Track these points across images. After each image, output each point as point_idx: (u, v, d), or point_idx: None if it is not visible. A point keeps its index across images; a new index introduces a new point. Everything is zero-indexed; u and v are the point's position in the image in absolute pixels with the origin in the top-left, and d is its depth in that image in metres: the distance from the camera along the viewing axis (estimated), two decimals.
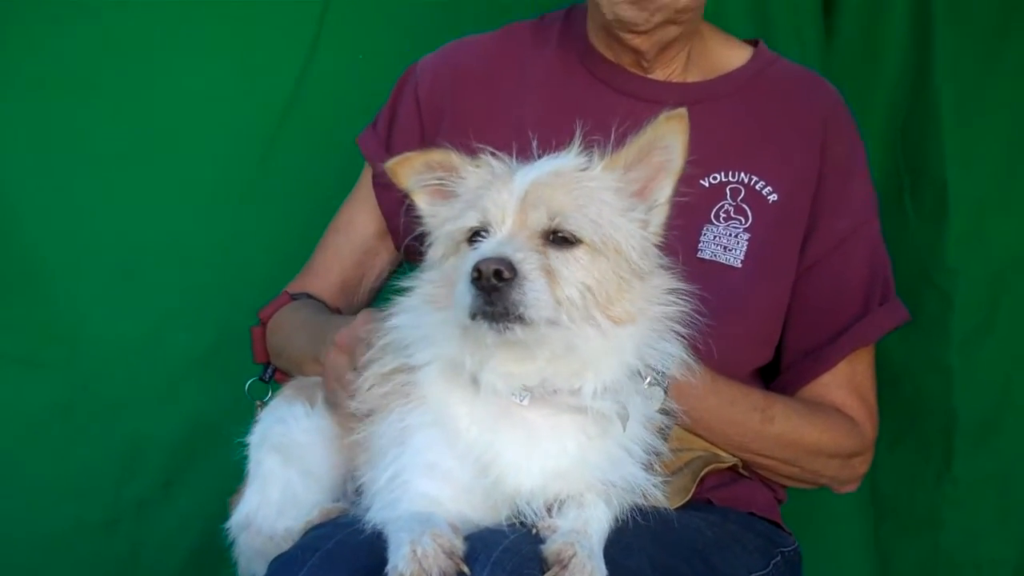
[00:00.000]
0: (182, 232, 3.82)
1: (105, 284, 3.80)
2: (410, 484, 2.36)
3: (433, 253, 2.42)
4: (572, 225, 2.27)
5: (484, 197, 2.31)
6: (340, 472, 2.76)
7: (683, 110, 2.35)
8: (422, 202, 2.46)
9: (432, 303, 2.38)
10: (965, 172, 3.53)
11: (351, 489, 2.74)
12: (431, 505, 2.32)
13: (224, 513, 3.70)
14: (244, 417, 3.46)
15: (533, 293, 2.18)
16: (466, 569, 2.16)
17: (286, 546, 2.60)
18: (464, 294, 2.20)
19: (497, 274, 2.16)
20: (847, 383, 2.89)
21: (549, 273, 2.22)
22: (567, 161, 2.36)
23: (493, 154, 2.40)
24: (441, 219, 2.41)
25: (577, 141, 2.38)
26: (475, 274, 2.17)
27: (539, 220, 2.27)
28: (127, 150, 3.79)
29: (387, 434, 2.42)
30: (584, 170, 2.35)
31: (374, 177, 3.15)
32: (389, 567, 2.17)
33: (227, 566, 3.76)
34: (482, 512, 2.37)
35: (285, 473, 2.80)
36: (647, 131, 2.36)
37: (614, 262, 2.30)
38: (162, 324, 3.82)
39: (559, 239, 2.27)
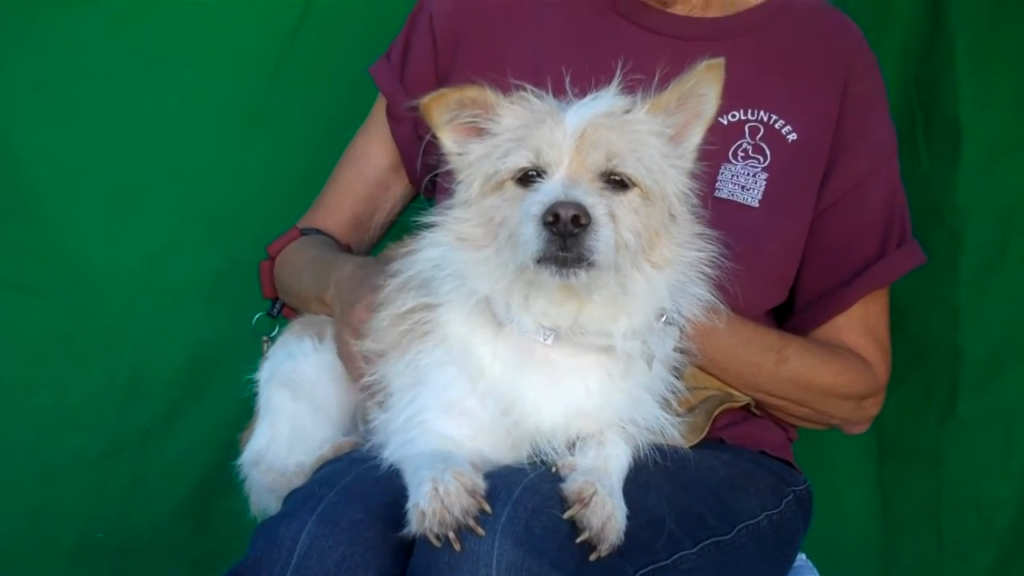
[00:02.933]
0: (185, 159, 3.75)
1: (105, 211, 3.74)
2: (429, 423, 2.35)
3: (465, 191, 2.37)
4: (629, 169, 2.27)
5: (535, 136, 2.27)
6: (349, 407, 2.76)
7: (721, 60, 2.34)
8: (448, 140, 2.40)
9: (466, 241, 2.34)
10: (978, 112, 3.49)
11: (361, 424, 2.74)
12: (450, 444, 2.32)
13: (228, 442, 3.70)
14: (248, 347, 3.46)
15: (605, 239, 2.18)
16: (488, 507, 2.16)
17: (298, 482, 2.61)
18: (534, 238, 2.18)
19: (575, 220, 2.14)
20: (861, 325, 2.88)
21: (612, 217, 2.21)
22: (614, 102, 2.33)
23: (532, 92, 2.35)
24: (476, 157, 2.36)
25: (617, 81, 2.35)
26: (550, 218, 2.15)
27: (598, 162, 2.25)
28: (129, 74, 3.71)
29: (404, 373, 2.41)
30: (629, 112, 2.33)
31: (388, 109, 3.09)
32: (410, 504, 2.18)
33: (231, 496, 3.77)
34: (501, 451, 2.37)
35: (294, 408, 2.79)
36: (687, 78, 2.35)
37: (659, 207, 2.31)
38: (163, 253, 3.77)
39: (613, 182, 2.26)
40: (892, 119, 2.97)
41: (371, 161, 3.16)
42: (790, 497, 2.82)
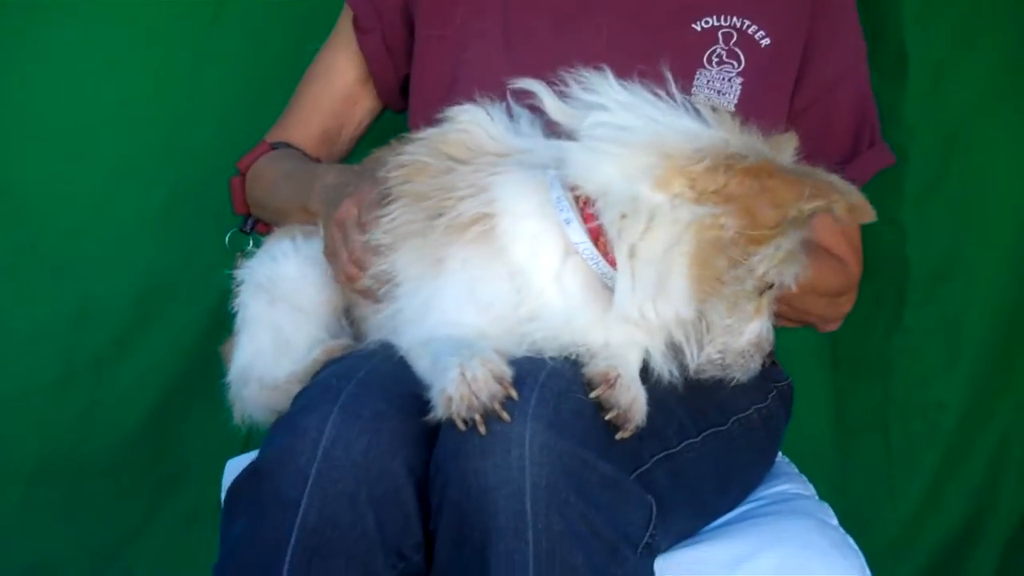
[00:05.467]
0: (132, 85, 3.67)
1: (50, 139, 3.66)
2: (451, 313, 2.31)
3: None
4: None
5: None
6: (333, 306, 2.70)
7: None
8: None
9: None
10: (923, 34, 3.60)
11: (345, 323, 2.69)
12: (474, 334, 2.28)
13: (183, 370, 3.72)
14: (199, 273, 3.45)
15: None
16: (514, 394, 2.16)
17: (295, 390, 2.50)
18: None
19: None
20: (833, 224, 2.96)
21: None
22: None
23: None
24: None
25: None
26: None
27: None
28: (74, 7, 3.63)
29: (423, 260, 2.35)
30: None
31: (354, 20, 3.05)
32: (436, 390, 2.17)
33: (186, 424, 3.78)
34: (523, 351, 2.32)
35: (271, 314, 2.70)
36: None
37: None
38: (111, 183, 3.70)
39: None
40: None
41: (338, 75, 3.11)
42: (774, 392, 2.91)
